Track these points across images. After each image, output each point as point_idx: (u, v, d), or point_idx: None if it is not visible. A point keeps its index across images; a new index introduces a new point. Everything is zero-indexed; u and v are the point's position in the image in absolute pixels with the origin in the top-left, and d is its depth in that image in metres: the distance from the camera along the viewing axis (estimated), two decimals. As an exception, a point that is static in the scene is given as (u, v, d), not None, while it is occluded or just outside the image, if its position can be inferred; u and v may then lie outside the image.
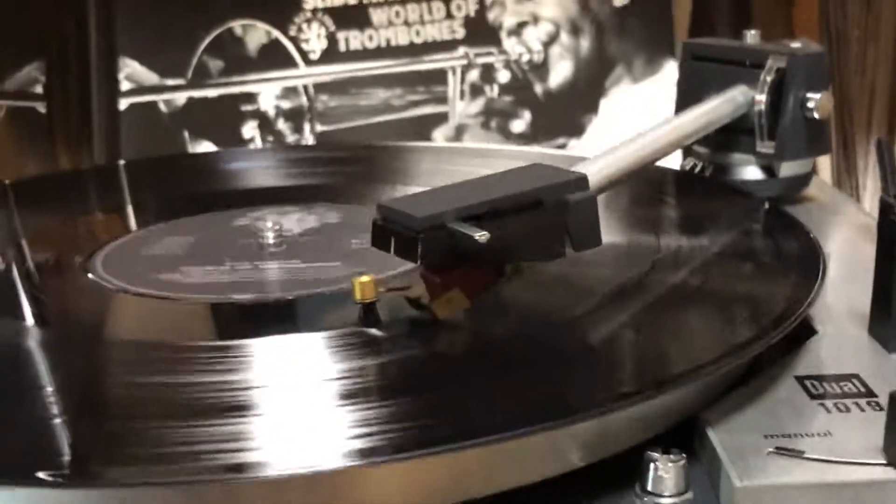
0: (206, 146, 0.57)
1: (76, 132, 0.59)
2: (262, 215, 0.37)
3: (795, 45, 0.43)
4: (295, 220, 0.38)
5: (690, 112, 0.39)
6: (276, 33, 0.57)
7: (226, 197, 0.41)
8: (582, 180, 0.28)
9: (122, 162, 0.50)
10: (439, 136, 0.60)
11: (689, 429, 0.25)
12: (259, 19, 0.57)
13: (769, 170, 0.43)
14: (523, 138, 0.60)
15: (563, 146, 0.60)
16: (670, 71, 0.60)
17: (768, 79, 0.41)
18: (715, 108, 0.39)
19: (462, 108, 0.59)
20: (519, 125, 0.60)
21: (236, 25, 0.57)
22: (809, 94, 0.40)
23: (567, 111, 0.60)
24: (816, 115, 0.40)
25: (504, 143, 0.60)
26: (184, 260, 0.34)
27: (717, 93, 0.41)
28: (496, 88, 0.60)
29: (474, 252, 0.25)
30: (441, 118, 0.59)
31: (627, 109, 0.61)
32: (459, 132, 0.60)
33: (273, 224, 0.35)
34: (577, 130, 0.61)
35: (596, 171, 0.31)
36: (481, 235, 0.25)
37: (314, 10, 0.57)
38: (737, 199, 0.40)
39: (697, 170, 0.44)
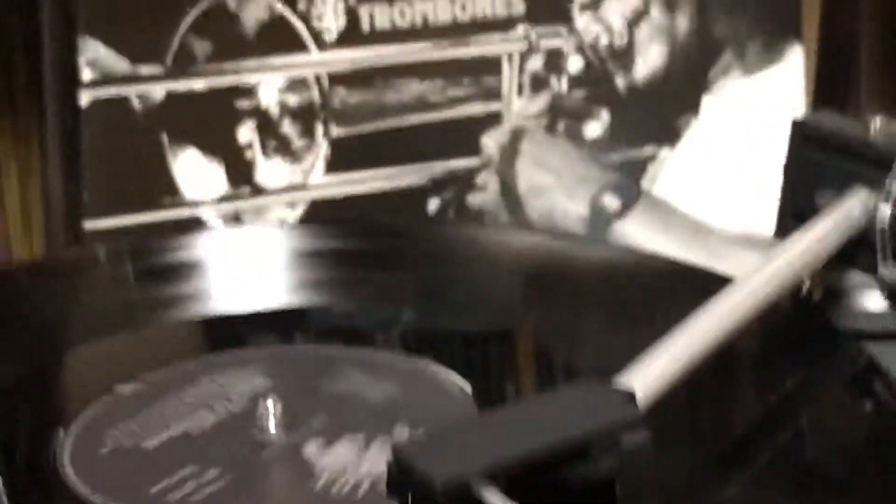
0: (190, 154, 0.64)
1: (24, 138, 0.66)
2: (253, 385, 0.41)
3: None
4: (303, 381, 0.42)
5: (787, 252, 0.44)
6: (281, 7, 0.64)
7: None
8: (636, 420, 0.32)
9: (102, 251, 0.57)
10: (490, 143, 0.67)
11: None
12: (259, -12, 0.66)
13: None
14: (598, 146, 0.67)
15: (651, 157, 0.68)
16: (795, 60, 0.68)
17: (895, 188, 0.45)
18: (822, 238, 0.45)
19: (520, 107, 0.66)
20: (594, 128, 0.67)
21: (229, -4, 0.66)
22: None
23: (658, 110, 0.68)
24: None
25: (574, 149, 0.67)
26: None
27: (830, 189, 0.47)
28: (565, 80, 0.66)
29: None
30: (492, 119, 0.66)
31: (738, 109, 0.68)
32: (516, 138, 0.67)
33: (271, 403, 0.39)
34: (670, 136, 0.68)
35: (651, 386, 0.35)
36: None
37: (330, -22, 0.66)
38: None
39: (803, 291, 0.49)
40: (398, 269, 0.57)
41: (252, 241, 0.61)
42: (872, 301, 0.49)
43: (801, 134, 0.51)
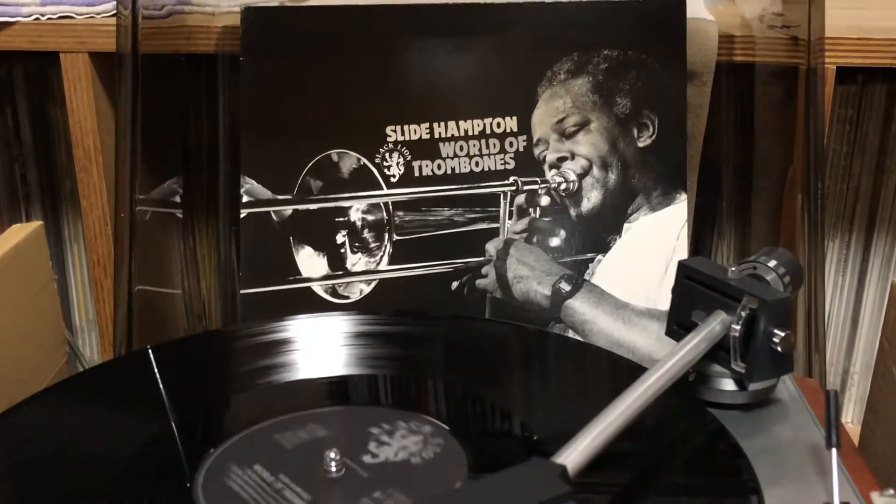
0: (306, 250, 0.78)
1: (205, 236, 0.89)
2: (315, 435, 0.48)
3: (772, 262, 0.56)
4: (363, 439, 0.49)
5: (674, 356, 0.50)
6: (364, 160, 0.78)
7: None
8: (567, 493, 0.36)
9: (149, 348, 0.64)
10: (491, 248, 0.78)
11: None
12: (351, 149, 0.78)
13: (741, 383, 0.54)
14: (558, 251, 0.78)
15: (590, 260, 0.78)
16: (681, 203, 0.78)
17: (743, 314, 0.52)
18: (695, 346, 0.51)
19: (510, 226, 0.79)
20: (555, 241, 0.79)
21: (333, 153, 0.78)
22: (776, 331, 0.52)
23: (595, 231, 0.78)
24: (780, 349, 0.52)
25: (543, 254, 0.77)
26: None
27: (702, 310, 0.54)
28: (538, 210, 0.78)
29: None
30: (493, 233, 0.79)
31: (645, 232, 0.78)
32: (507, 245, 0.78)
33: (335, 455, 0.45)
34: (603, 248, 0.79)
35: (578, 462, 0.40)
36: None
37: (395, 143, 0.79)
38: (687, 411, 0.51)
39: (689, 377, 0.55)
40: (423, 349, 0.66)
41: (328, 325, 0.69)
42: (726, 384, 0.55)
43: (683, 271, 0.57)
